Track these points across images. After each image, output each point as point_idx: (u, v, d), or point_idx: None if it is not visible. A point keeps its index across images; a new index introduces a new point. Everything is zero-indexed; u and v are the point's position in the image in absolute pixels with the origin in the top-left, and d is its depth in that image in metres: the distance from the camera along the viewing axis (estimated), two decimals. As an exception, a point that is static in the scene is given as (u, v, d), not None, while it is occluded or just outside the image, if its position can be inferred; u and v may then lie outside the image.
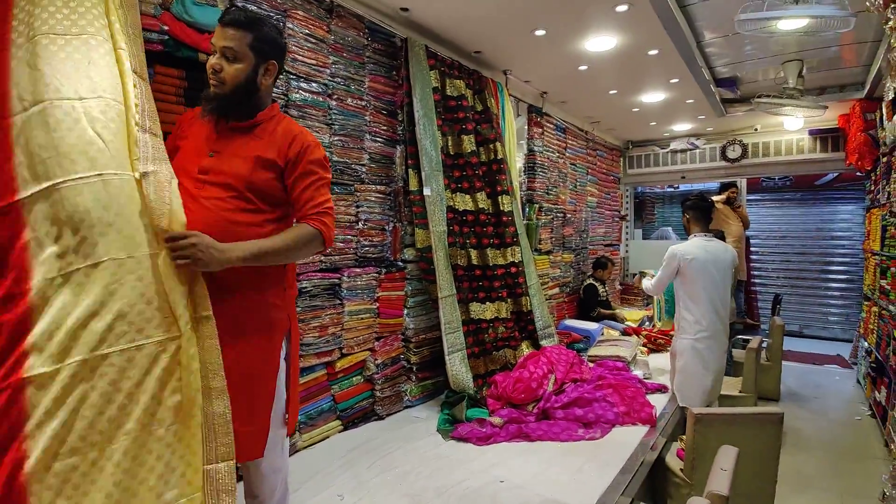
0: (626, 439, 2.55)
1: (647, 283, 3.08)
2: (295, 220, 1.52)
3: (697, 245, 2.82)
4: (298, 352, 1.98)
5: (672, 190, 8.24)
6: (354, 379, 2.63)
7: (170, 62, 1.91)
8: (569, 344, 3.80)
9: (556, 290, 4.72)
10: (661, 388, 3.23)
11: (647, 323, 5.02)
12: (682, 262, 2.78)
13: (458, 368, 2.86)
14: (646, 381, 3.30)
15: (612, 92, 4.44)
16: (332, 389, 2.50)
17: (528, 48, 3.36)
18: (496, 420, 2.63)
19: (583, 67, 3.73)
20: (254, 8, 2.16)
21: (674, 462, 2.41)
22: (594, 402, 2.80)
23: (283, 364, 1.51)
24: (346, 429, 2.56)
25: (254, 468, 1.50)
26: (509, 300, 3.28)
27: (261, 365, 1.44)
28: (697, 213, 2.92)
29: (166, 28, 1.85)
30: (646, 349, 4.22)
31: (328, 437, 2.48)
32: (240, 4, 2.11)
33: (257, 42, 1.45)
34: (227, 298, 1.37)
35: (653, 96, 4.53)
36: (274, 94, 1.92)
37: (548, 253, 4.54)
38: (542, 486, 2.10)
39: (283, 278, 1.52)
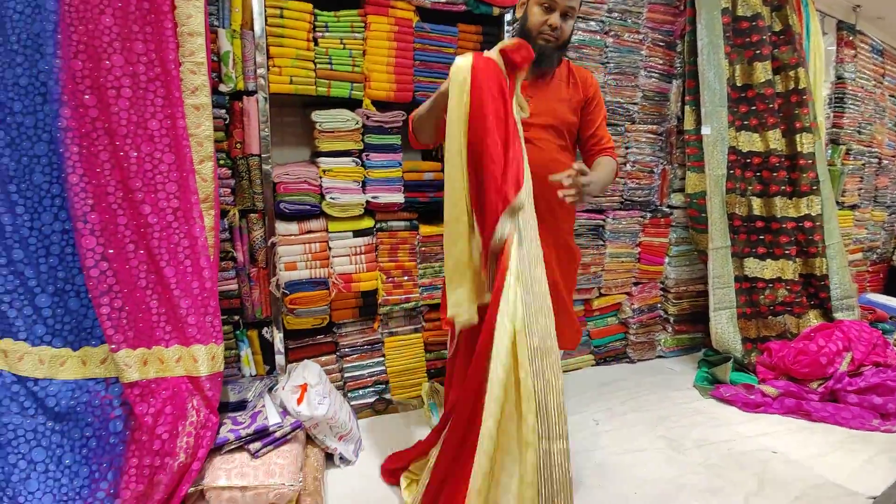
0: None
1: None
2: (588, 153, 1.71)
3: None
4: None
5: None
6: (609, 319, 2.74)
7: (469, 20, 2.18)
8: (872, 322, 3.13)
9: (859, 255, 3.87)
10: None
11: None
12: None
13: (725, 327, 2.68)
14: None
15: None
16: (587, 325, 2.67)
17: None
18: (769, 389, 2.42)
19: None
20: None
21: None
22: (902, 392, 2.32)
23: None
24: (597, 364, 2.72)
25: None
26: (798, 259, 2.85)
27: (573, 279, 1.79)
28: None
29: (467, -14, 2.10)
30: None
31: (580, 368, 2.68)
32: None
33: None
34: (555, 232, 1.66)
35: None
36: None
37: (852, 207, 3.71)
38: (823, 468, 1.91)
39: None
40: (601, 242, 2.59)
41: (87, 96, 1.51)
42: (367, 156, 2.01)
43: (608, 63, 2.50)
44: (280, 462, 1.57)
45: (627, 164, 2.62)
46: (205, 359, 1.61)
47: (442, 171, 2.18)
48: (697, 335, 2.92)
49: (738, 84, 2.77)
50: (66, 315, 1.53)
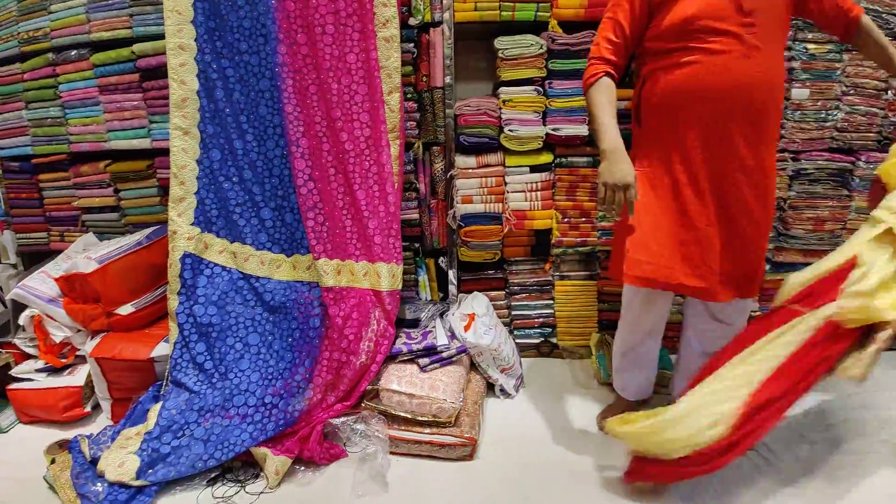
0: None
1: None
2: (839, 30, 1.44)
3: None
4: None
5: None
6: (843, 291, 2.21)
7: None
8: None
9: None
10: None
11: None
12: None
13: None
14: None
15: None
16: (810, 295, 2.20)
17: None
18: None
19: None
20: None
21: None
22: None
23: None
24: (817, 344, 2.25)
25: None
26: None
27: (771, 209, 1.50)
28: None
29: None
30: None
31: (792, 345, 2.26)
32: None
33: None
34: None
35: None
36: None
37: None
38: None
39: None
40: (845, 192, 2.06)
41: (299, 34, 1.73)
42: (549, 84, 1.91)
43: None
44: (444, 380, 1.69)
45: (889, 92, 1.98)
46: (386, 276, 1.79)
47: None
48: None
49: None
50: (282, 227, 1.84)
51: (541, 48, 1.86)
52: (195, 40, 1.72)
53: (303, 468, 1.57)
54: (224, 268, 1.79)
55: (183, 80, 1.73)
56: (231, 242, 1.81)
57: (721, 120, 1.35)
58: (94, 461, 1.53)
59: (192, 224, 1.77)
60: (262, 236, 1.82)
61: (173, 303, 1.73)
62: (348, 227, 1.81)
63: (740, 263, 1.46)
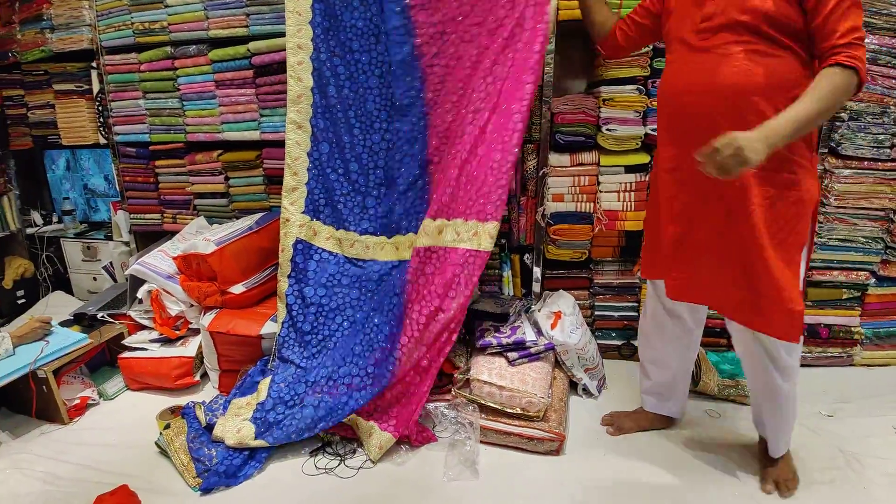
0: None
1: None
2: (817, 58, 1.22)
3: None
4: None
5: None
6: (953, 309, 2.10)
7: None
8: None
9: None
10: None
11: None
12: None
13: None
14: None
15: None
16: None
17: None
18: None
19: None
20: None
21: None
22: None
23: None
24: (919, 364, 2.15)
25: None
26: None
27: (794, 236, 1.31)
28: None
29: None
30: None
31: (889, 364, 2.17)
32: None
33: None
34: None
35: None
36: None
37: None
38: None
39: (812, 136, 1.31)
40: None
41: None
42: (653, 83, 1.91)
43: None
44: (533, 375, 1.75)
45: None
46: (484, 235, 1.72)
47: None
48: None
49: None
50: (384, 214, 1.93)
51: (647, 46, 1.87)
52: (312, 40, 1.85)
53: (396, 447, 1.67)
54: (331, 253, 1.93)
55: (300, 78, 1.86)
56: (336, 230, 1.94)
57: (663, 128, 1.43)
58: (209, 427, 1.69)
59: (302, 212, 1.91)
60: (365, 223, 1.94)
61: (283, 284, 1.88)
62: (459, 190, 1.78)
63: (727, 284, 1.37)
